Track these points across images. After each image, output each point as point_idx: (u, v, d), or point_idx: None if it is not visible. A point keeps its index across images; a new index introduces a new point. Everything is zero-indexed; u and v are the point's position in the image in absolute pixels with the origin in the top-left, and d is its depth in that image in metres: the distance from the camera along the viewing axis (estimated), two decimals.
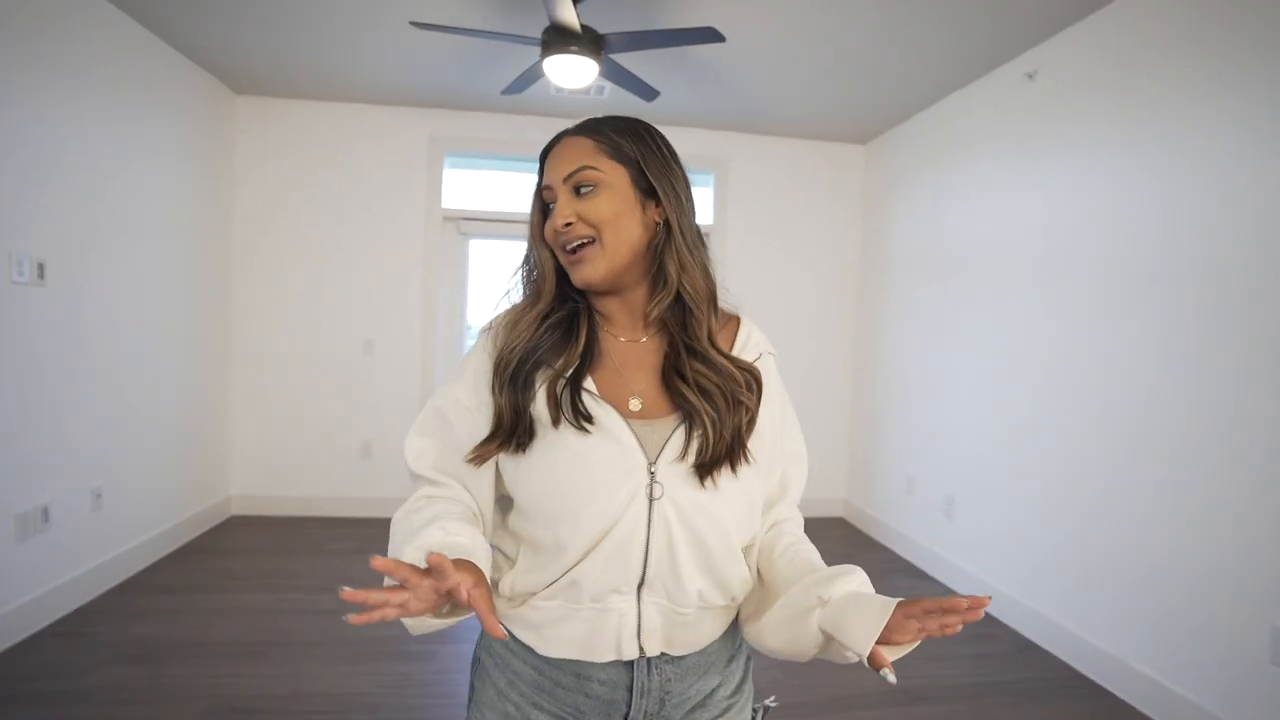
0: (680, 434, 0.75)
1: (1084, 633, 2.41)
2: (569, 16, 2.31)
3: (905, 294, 3.75)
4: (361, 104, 3.82)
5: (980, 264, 3.10)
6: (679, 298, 0.78)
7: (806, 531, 0.87)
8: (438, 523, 0.73)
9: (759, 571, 0.83)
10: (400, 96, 3.72)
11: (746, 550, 0.83)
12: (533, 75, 2.76)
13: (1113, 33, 2.41)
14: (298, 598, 2.78)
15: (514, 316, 0.81)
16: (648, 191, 0.77)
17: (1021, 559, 2.75)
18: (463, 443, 0.79)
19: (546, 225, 0.79)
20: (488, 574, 0.72)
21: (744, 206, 4.16)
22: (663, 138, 0.81)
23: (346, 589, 0.57)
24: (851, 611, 0.67)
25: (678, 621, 0.77)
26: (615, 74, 2.73)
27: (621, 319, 0.82)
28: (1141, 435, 2.22)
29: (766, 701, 0.89)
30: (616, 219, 0.75)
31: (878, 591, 0.72)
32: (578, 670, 0.77)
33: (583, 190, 0.76)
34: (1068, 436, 2.53)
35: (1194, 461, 2.04)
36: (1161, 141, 2.20)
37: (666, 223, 0.78)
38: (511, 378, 0.77)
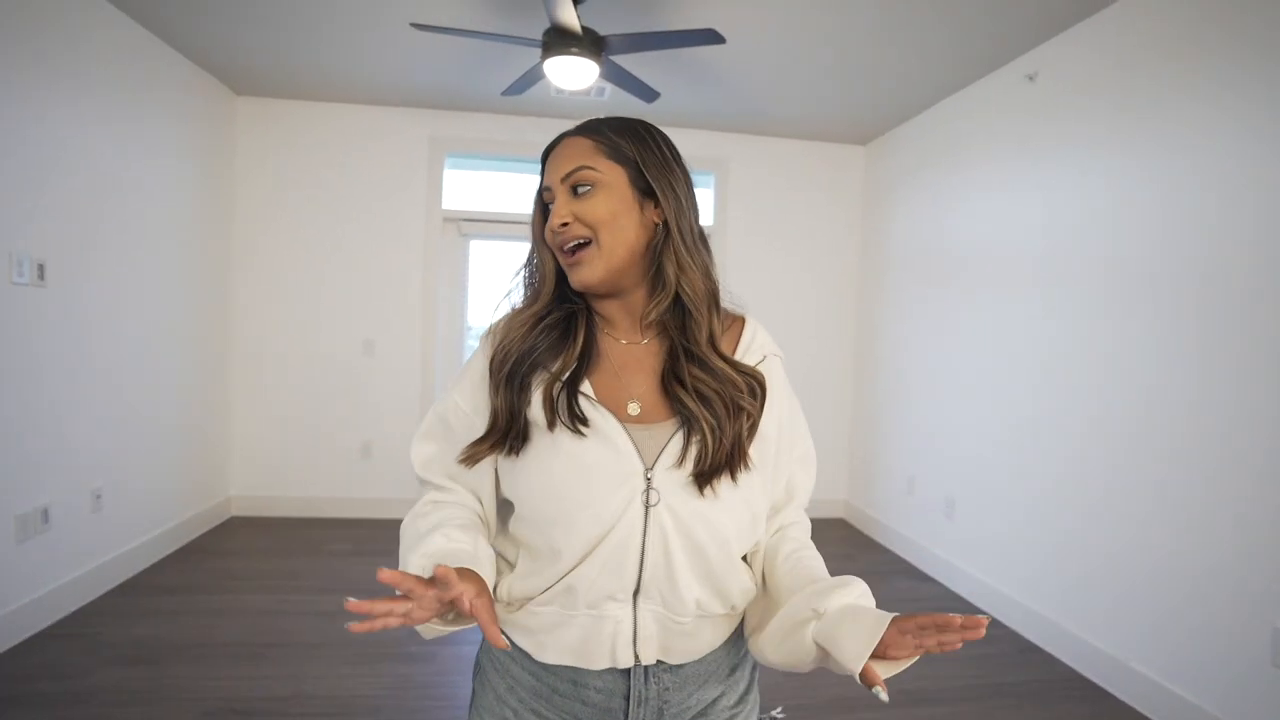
0: (678, 440, 0.74)
1: (1084, 634, 2.41)
2: (569, 18, 2.32)
3: (905, 294, 3.75)
4: (362, 105, 3.82)
5: (980, 264, 3.10)
6: (678, 300, 0.76)
7: None
8: (441, 530, 0.73)
9: (763, 576, 0.81)
10: (401, 97, 3.72)
11: (752, 555, 0.82)
12: (533, 76, 2.76)
13: (1113, 34, 2.41)
14: (298, 599, 2.78)
15: (513, 318, 0.81)
16: (647, 192, 0.76)
17: (1022, 559, 2.75)
18: (463, 447, 0.79)
19: (546, 226, 0.78)
20: (490, 580, 0.73)
21: (744, 207, 4.16)
22: (664, 137, 0.80)
23: (351, 599, 0.58)
24: (846, 625, 0.65)
25: (675, 630, 0.76)
26: (616, 75, 2.73)
27: (621, 321, 0.81)
28: (1141, 435, 2.22)
29: (774, 713, 0.88)
30: (613, 219, 0.75)
31: (878, 594, 0.72)
32: (574, 677, 0.77)
33: (580, 190, 0.75)
34: (1068, 437, 2.53)
35: (1194, 461, 2.05)
36: (1161, 142, 2.20)
37: (665, 224, 0.76)
38: (507, 379, 0.76)
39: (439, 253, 3.97)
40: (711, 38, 2.36)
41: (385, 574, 0.58)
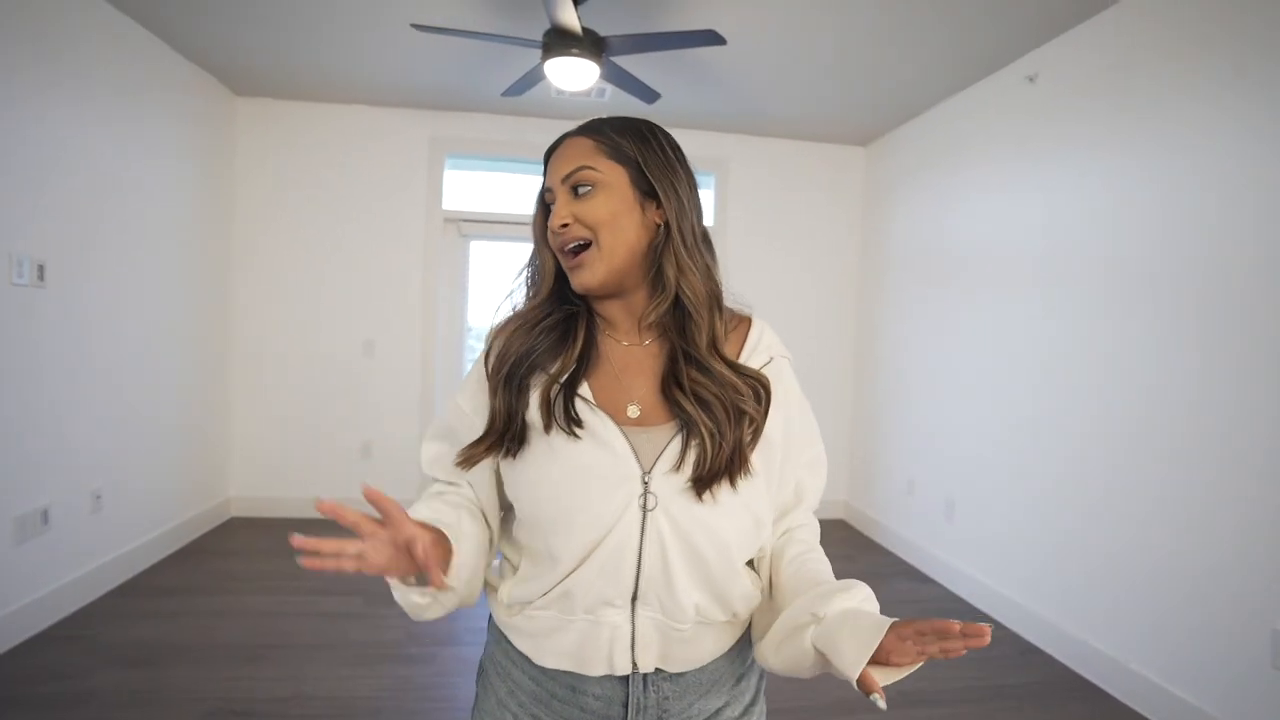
0: (677, 444, 0.73)
1: (1084, 635, 2.41)
2: (570, 19, 2.32)
3: (905, 295, 3.75)
4: (362, 105, 3.82)
5: (980, 265, 3.10)
6: (679, 302, 0.75)
7: None
8: (428, 503, 0.75)
9: (769, 580, 0.80)
10: (401, 98, 3.72)
11: (759, 561, 0.81)
12: (534, 77, 2.76)
13: (1112, 35, 2.41)
14: (298, 600, 2.78)
15: (513, 320, 0.80)
16: (648, 193, 0.75)
17: (1022, 560, 2.75)
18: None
19: (547, 227, 0.78)
20: (469, 555, 0.73)
21: (744, 207, 4.16)
22: (667, 137, 0.79)
23: (297, 536, 0.58)
24: (845, 630, 0.63)
25: (674, 637, 0.74)
26: (616, 76, 2.73)
27: (622, 322, 0.80)
28: (1141, 435, 2.23)
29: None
30: (613, 220, 0.74)
31: (878, 596, 0.70)
32: (572, 683, 0.76)
33: (580, 191, 0.74)
34: (1068, 437, 2.53)
35: (1194, 462, 2.05)
36: (1161, 142, 2.21)
37: (666, 224, 0.75)
38: (505, 381, 0.76)
39: (439, 253, 3.97)
40: (712, 39, 2.36)
41: (324, 504, 0.57)
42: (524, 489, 0.75)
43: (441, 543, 0.69)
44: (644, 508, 0.71)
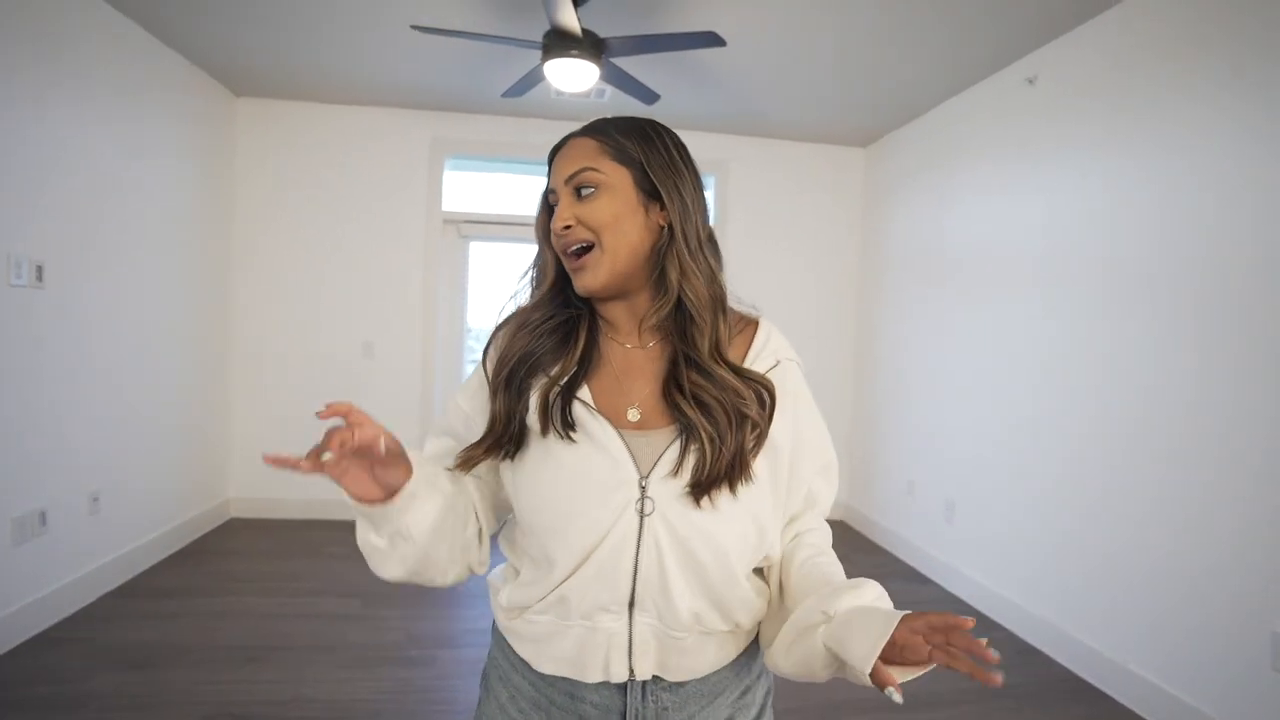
0: (675, 448, 0.71)
1: (1083, 636, 2.41)
2: (570, 20, 2.31)
3: (905, 295, 3.76)
4: (362, 106, 3.82)
5: (980, 265, 3.10)
6: (681, 305, 0.74)
7: None
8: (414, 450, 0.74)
9: (779, 586, 0.78)
10: (401, 98, 3.72)
11: (768, 570, 0.80)
12: (533, 78, 2.76)
13: (1111, 36, 2.41)
14: (298, 601, 2.77)
15: (514, 321, 0.80)
16: (652, 194, 0.75)
17: (1021, 560, 2.75)
18: (462, 448, 0.79)
19: (550, 227, 0.78)
20: (437, 505, 0.72)
21: (744, 209, 4.16)
22: (673, 138, 0.78)
23: (267, 453, 0.62)
24: (855, 626, 0.62)
25: (672, 645, 0.73)
26: (616, 77, 2.73)
27: (625, 325, 0.79)
28: (1140, 436, 2.23)
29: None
30: (616, 222, 0.73)
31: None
32: (571, 690, 0.75)
33: (584, 193, 0.74)
34: (1067, 437, 2.53)
35: (1192, 462, 2.05)
36: (1160, 143, 2.21)
37: (670, 226, 0.74)
38: (506, 383, 0.75)
39: (439, 254, 3.97)
40: (711, 41, 2.36)
41: (333, 409, 0.61)
42: (522, 492, 0.75)
43: (407, 466, 0.69)
44: (641, 512, 0.70)
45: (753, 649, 0.81)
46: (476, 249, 4.13)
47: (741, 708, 0.79)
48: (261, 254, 3.81)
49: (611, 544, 0.70)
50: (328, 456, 0.62)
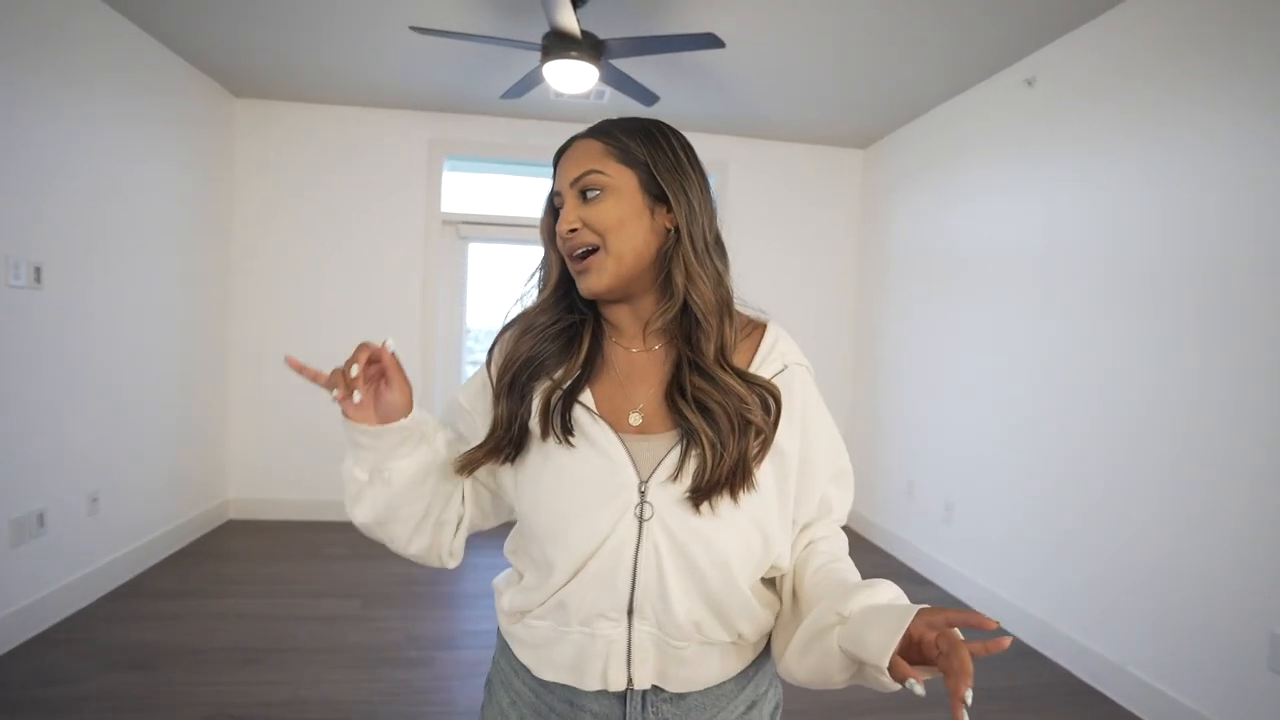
0: (676, 453, 0.70)
1: (1082, 637, 2.41)
2: (569, 22, 2.32)
3: (904, 296, 3.76)
4: (361, 107, 3.82)
5: (980, 266, 3.11)
6: (687, 308, 0.73)
7: None
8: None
9: (794, 595, 0.76)
10: (400, 100, 3.72)
11: (780, 581, 0.78)
12: (532, 80, 2.76)
13: (1111, 37, 2.42)
14: (296, 603, 2.77)
15: (518, 324, 0.80)
16: (658, 196, 0.74)
17: (1021, 561, 2.75)
18: (462, 441, 0.81)
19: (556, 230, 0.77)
20: (424, 455, 0.77)
21: (743, 210, 4.16)
22: (679, 139, 0.77)
23: (291, 357, 0.70)
24: (870, 622, 0.60)
25: (672, 654, 0.72)
26: (615, 79, 2.73)
27: (630, 328, 0.78)
28: (1141, 436, 2.23)
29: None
30: (621, 225, 0.72)
31: None
32: (570, 698, 0.74)
33: (589, 195, 0.73)
34: (1067, 437, 2.53)
35: (1194, 462, 2.05)
36: (1160, 143, 2.21)
37: (676, 229, 0.73)
38: (509, 387, 0.75)
39: (438, 255, 3.97)
40: (711, 42, 2.36)
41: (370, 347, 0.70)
42: (523, 495, 0.74)
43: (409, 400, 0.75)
44: (639, 517, 0.70)
45: (760, 662, 0.79)
46: (475, 250, 4.13)
47: None
48: (260, 255, 3.81)
49: (610, 548, 0.69)
50: (356, 370, 0.69)
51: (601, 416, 0.73)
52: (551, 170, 0.80)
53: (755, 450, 0.70)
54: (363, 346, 0.70)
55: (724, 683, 0.75)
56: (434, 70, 3.26)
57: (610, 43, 2.48)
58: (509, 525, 0.84)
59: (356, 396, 0.69)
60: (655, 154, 0.74)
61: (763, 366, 0.76)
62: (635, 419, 0.74)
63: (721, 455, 0.68)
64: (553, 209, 0.79)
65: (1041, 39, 2.68)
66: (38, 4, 2.32)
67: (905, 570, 3.46)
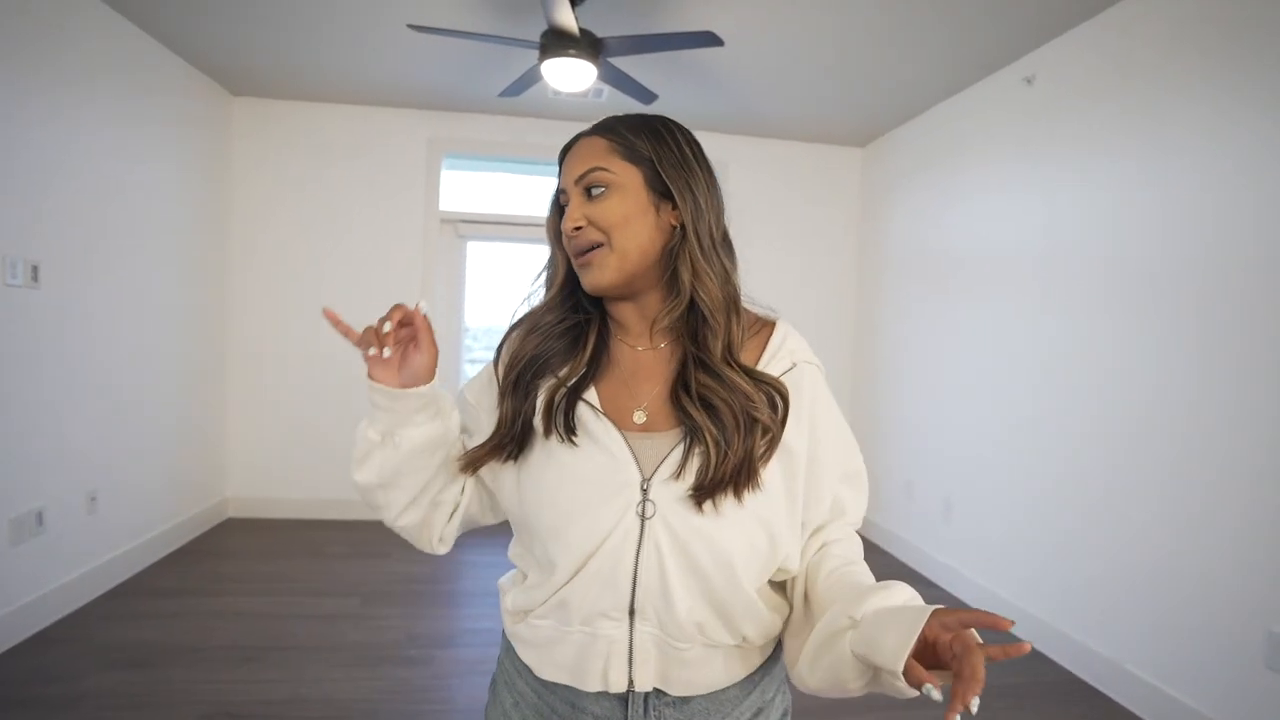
0: (679, 451, 0.70)
1: (1082, 636, 2.41)
2: (567, 20, 2.31)
3: (904, 295, 3.76)
4: (360, 105, 3.81)
5: (979, 265, 3.10)
6: (694, 306, 0.72)
7: None
8: None
9: (805, 599, 0.74)
10: (399, 98, 3.72)
11: (790, 584, 0.76)
12: (531, 78, 2.75)
13: (1111, 36, 2.41)
14: (296, 601, 2.77)
15: (524, 323, 0.80)
16: (664, 193, 0.73)
17: (1021, 561, 2.75)
18: (467, 433, 0.82)
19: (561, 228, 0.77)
20: (436, 430, 0.76)
21: (742, 209, 4.14)
22: (685, 135, 0.76)
23: (328, 308, 0.72)
24: (883, 626, 0.58)
25: (675, 656, 0.71)
26: (613, 77, 2.73)
27: (635, 326, 0.77)
28: (1141, 436, 2.23)
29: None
30: (626, 222, 0.71)
31: None
32: (571, 699, 0.74)
33: (594, 193, 0.72)
34: (1067, 437, 2.53)
35: (1193, 462, 2.05)
36: (1160, 143, 2.21)
37: (682, 226, 0.73)
38: (514, 384, 0.75)
39: (436, 253, 3.97)
40: (709, 40, 2.36)
41: (405, 305, 0.71)
42: (526, 494, 0.74)
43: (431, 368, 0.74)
44: (641, 515, 0.69)
45: (767, 667, 0.78)
46: (474, 248, 4.13)
47: None
48: (259, 253, 3.80)
49: (611, 546, 0.69)
50: (388, 327, 0.70)
51: (605, 414, 0.73)
52: (556, 168, 0.80)
53: (762, 449, 0.69)
54: (397, 307, 0.71)
55: (729, 687, 0.74)
56: (432, 68, 3.26)
57: (609, 41, 2.47)
58: (509, 525, 0.84)
59: (386, 353, 0.70)
60: (660, 150, 0.73)
61: (771, 364, 0.75)
62: (640, 416, 0.74)
63: (726, 453, 0.67)
64: (558, 207, 0.78)
65: (1040, 38, 2.68)
66: (38, 4, 2.32)
67: (905, 570, 3.46)
